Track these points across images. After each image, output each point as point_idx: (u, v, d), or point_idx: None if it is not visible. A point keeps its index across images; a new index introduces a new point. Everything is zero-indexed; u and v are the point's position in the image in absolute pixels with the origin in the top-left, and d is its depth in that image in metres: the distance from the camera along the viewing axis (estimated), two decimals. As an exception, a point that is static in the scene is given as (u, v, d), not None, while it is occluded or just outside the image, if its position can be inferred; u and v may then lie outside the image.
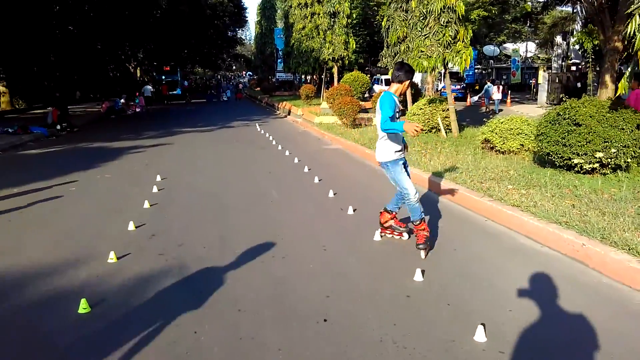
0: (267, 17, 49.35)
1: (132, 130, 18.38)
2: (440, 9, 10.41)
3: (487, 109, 25.42)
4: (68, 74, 37.87)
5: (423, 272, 4.22)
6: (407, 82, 4.77)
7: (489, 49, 54.32)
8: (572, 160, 6.79)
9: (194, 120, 22.96)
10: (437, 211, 6.42)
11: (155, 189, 7.89)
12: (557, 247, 4.67)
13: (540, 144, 7.44)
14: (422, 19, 10.84)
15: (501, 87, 30.26)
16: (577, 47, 29.19)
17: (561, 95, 26.90)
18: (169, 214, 6.54)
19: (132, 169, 10.26)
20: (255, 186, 8.23)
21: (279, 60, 44.81)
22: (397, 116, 4.68)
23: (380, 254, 4.88)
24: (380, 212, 5.33)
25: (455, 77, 40.39)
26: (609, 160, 6.58)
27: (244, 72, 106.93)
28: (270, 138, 14.65)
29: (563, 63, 32.71)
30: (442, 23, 10.55)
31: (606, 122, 6.58)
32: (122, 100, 30.76)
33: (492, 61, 59.63)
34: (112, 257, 4.78)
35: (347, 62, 23.32)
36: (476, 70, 52.64)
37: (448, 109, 12.20)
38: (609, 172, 6.83)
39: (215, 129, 18.33)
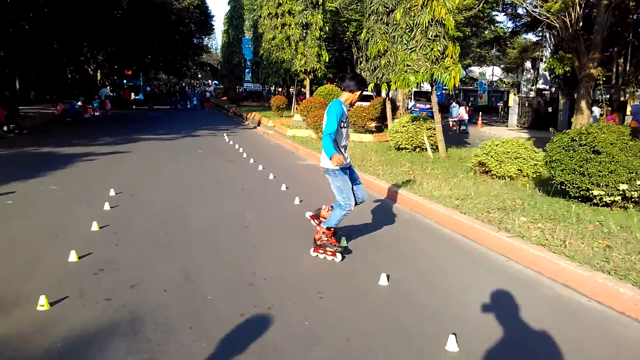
0: (235, 27, 48.18)
1: (87, 135, 16.85)
2: (428, 21, 9.69)
3: (456, 129, 25.06)
4: (20, 73, 35.60)
5: (455, 335, 3.26)
6: (357, 93, 4.81)
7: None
8: (590, 192, 6.05)
9: (156, 126, 21.53)
10: (446, 247, 5.51)
11: (107, 206, 6.66)
12: (610, 303, 3.81)
13: (552, 172, 6.69)
14: (408, 32, 10.10)
15: (468, 108, 30.28)
16: (546, 72, 29.56)
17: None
18: (121, 240, 5.35)
19: (82, 180, 8.94)
20: (226, 206, 7.11)
21: (246, 70, 43.70)
22: (343, 126, 4.78)
23: (392, 305, 3.89)
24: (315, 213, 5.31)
25: (424, 96, 40.45)
26: (633, 193, 5.86)
27: (210, 81, 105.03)
28: (240, 150, 13.54)
29: (532, 88, 33.11)
30: (429, 37, 9.82)
31: (629, 150, 5.88)
32: (79, 103, 28.88)
33: (458, 83, 60.44)
34: (42, 303, 3.60)
35: (319, 74, 22.51)
36: (443, 91, 53.15)
37: (434, 128, 11.46)
38: (631, 206, 6.12)
39: (179, 137, 17.04)
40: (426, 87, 43.50)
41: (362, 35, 12.81)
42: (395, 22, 12.35)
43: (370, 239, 5.71)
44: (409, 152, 11.69)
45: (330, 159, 4.44)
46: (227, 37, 51.63)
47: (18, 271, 4.35)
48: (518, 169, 8.46)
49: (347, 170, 4.93)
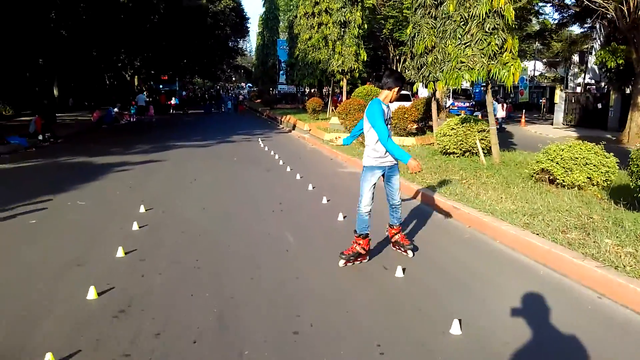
0: (270, 28, 47.91)
1: (122, 143, 16.64)
2: (485, 13, 8.79)
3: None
4: (58, 80, 36.29)
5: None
6: (396, 89, 4.73)
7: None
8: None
9: (191, 132, 21.26)
10: (523, 280, 4.67)
11: (135, 226, 6.13)
12: None
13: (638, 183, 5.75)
14: (463, 25, 9.20)
15: (505, 106, 28.98)
16: (595, 66, 27.90)
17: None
18: (148, 269, 4.76)
19: (112, 193, 8.49)
20: (264, 225, 6.47)
21: (281, 72, 43.37)
22: (387, 124, 4.68)
23: (469, 354, 3.12)
24: (387, 228, 5.31)
25: (464, 94, 39.00)
26: None
27: (243, 84, 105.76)
28: (276, 157, 12.94)
29: (579, 82, 31.26)
30: (486, 30, 8.92)
31: None
32: (116, 110, 29.08)
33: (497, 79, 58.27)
34: (48, 360, 3.02)
35: (357, 74, 21.74)
36: (482, 88, 51.37)
37: (486, 130, 10.54)
38: None
39: (214, 143, 16.61)
40: (465, 84, 42.18)
41: (408, 30, 11.99)
42: (444, 16, 11.47)
43: (430, 265, 4.95)
44: (457, 157, 10.80)
45: (408, 164, 4.50)
46: (261, 39, 51.50)
47: (27, 314, 3.80)
48: (587, 177, 7.50)
49: (381, 172, 4.90)
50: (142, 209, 7.03)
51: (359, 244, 4.81)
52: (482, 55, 8.97)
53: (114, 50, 34.34)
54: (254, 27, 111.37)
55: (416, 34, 11.84)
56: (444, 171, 9.25)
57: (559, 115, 28.97)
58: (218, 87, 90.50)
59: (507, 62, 8.90)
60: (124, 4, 25.48)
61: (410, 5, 13.45)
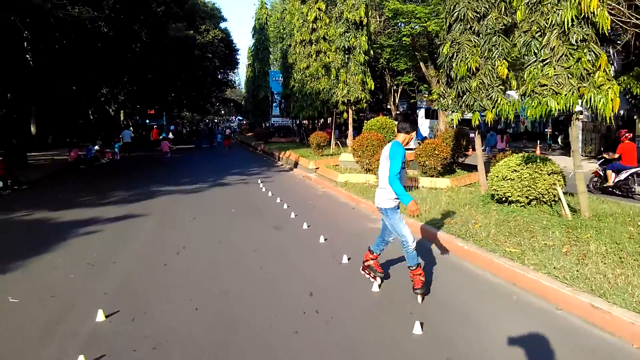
0: (260, 59, 46.13)
1: (98, 189, 14.11)
2: (570, 20, 6.57)
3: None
4: (37, 116, 33.77)
5: None
6: (413, 134, 5.03)
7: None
8: None
9: (179, 173, 18.79)
10: None
11: (81, 359, 3.60)
12: None
13: None
14: (539, 37, 6.96)
15: (504, 137, 27.12)
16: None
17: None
18: None
19: (63, 279, 5.92)
20: (291, 343, 3.96)
21: (274, 105, 41.36)
22: (404, 167, 4.86)
23: None
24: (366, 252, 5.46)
25: (467, 124, 37.17)
26: None
27: (233, 117, 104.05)
28: (285, 205, 10.50)
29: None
30: (572, 42, 6.68)
31: None
32: (97, 147, 26.57)
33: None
34: None
35: (364, 105, 19.56)
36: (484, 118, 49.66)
37: (558, 172, 8.23)
38: None
39: (205, 187, 14.13)
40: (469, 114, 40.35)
41: (444, 50, 9.76)
42: (490, 31, 9.31)
43: None
44: (522, 206, 8.43)
45: (408, 206, 4.68)
46: (251, 70, 49.70)
47: None
48: None
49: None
50: (99, 316, 4.49)
51: (420, 274, 4.97)
52: (570, 76, 6.70)
53: (94, 83, 32.06)
54: (242, 59, 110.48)
55: (455, 54, 9.62)
56: (521, 232, 6.85)
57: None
58: (207, 120, 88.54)
59: (603, 85, 6.64)
60: (102, 33, 23.27)
61: (443, 21, 11.27)
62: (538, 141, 30.58)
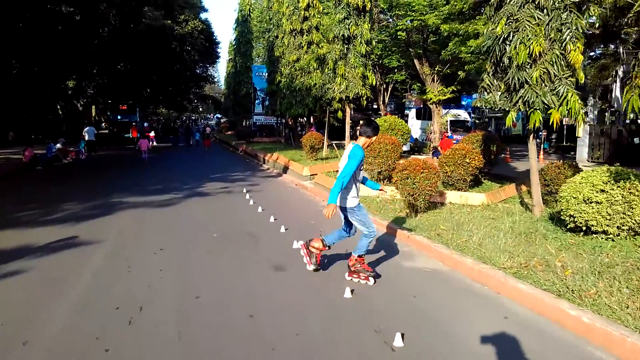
0: (242, 54, 43.41)
1: (47, 198, 11.48)
2: None
3: None
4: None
5: None
6: (374, 138, 5.34)
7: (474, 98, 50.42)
8: None
9: (149, 176, 16.17)
10: None
11: None
12: None
13: None
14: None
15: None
16: (619, 95, 24.56)
17: None
18: None
19: None
20: None
21: (256, 102, 38.73)
22: (361, 168, 5.26)
23: None
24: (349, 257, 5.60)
25: (462, 125, 35.21)
26: None
27: (211, 115, 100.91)
28: (282, 228, 8.09)
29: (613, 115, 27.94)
30: None
31: None
32: (58, 145, 23.66)
33: (486, 110, 55.27)
34: None
35: (364, 102, 17.24)
36: (473, 119, 47.96)
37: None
38: None
39: (180, 198, 11.59)
40: (464, 115, 38.42)
41: (498, 28, 7.45)
42: (556, 5, 7.06)
43: None
44: (608, 238, 6.22)
45: (327, 206, 5.02)
46: (233, 65, 46.97)
47: None
48: None
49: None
50: None
51: (363, 262, 5.47)
52: None
53: (58, 73, 28.93)
54: (223, 53, 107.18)
55: (511, 34, 7.34)
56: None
57: (582, 151, 25.13)
58: (184, 118, 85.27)
59: None
60: (63, 14, 20.36)
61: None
62: (542, 145, 28.67)
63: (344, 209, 5.32)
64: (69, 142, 32.14)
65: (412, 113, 40.46)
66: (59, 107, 40.90)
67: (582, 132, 25.75)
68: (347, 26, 16.36)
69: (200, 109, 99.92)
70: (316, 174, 13.89)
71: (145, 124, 46.83)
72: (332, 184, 11.07)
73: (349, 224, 5.51)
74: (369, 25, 16.80)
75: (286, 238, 7.51)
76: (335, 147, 18.10)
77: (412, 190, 8.00)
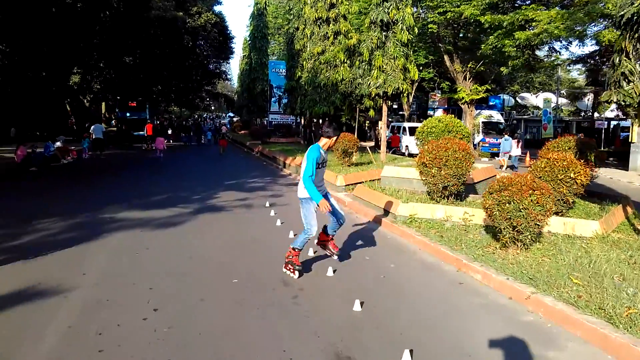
0: (258, 49, 41.12)
1: (27, 210, 9.22)
2: None
3: (503, 166, 21.33)
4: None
5: None
6: (334, 139, 5.64)
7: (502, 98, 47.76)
8: None
9: (152, 184, 13.89)
10: None
11: None
12: None
13: None
14: None
15: (520, 142, 23.72)
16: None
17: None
18: None
19: None
20: None
21: (272, 100, 36.41)
22: (320, 167, 5.50)
23: None
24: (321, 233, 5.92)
25: (494, 127, 32.56)
26: None
27: (224, 114, 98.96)
28: (329, 270, 5.70)
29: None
30: None
31: None
32: (58, 144, 21.54)
33: (514, 112, 52.53)
34: None
35: (405, 99, 14.83)
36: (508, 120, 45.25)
37: None
38: None
39: (187, 215, 9.23)
40: (497, 116, 35.77)
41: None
42: None
43: None
44: None
45: (319, 205, 5.22)
46: (247, 62, 44.74)
47: None
48: None
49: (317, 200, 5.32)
50: None
51: (296, 256, 5.60)
52: None
53: (61, 65, 26.79)
54: (236, 51, 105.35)
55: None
56: None
57: (637, 158, 22.52)
58: (196, 116, 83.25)
59: None
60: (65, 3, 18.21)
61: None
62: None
63: (299, 199, 5.58)
64: (75, 140, 30.19)
65: (437, 113, 37.92)
66: (67, 103, 38.97)
67: (637, 137, 23.12)
68: (386, 10, 13.95)
69: (213, 108, 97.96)
70: (353, 185, 11.46)
71: (156, 122, 44.80)
72: (378, 199, 8.66)
73: (333, 213, 5.69)
74: (411, 9, 14.38)
75: (336, 285, 5.15)
76: (370, 151, 15.64)
77: (516, 219, 5.56)
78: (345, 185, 11.54)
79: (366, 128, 44.86)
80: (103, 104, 47.31)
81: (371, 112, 16.89)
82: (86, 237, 7.23)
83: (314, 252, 6.52)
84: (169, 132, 33.68)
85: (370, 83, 14.33)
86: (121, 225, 8.14)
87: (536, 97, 54.78)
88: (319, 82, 19.57)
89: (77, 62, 26.91)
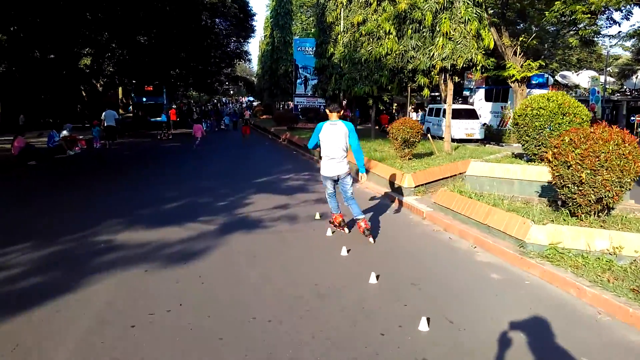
0: (281, 27, 38.31)
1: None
2: None
3: None
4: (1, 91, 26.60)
5: None
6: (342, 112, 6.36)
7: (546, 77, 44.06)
8: None
9: (167, 181, 11.35)
10: None
11: None
12: None
13: None
14: None
15: None
16: None
17: None
18: None
19: None
20: None
21: (298, 82, 33.56)
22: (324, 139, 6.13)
23: None
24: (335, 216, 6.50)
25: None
26: None
27: (242, 98, 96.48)
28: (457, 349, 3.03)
29: None
30: None
31: None
32: (64, 133, 19.20)
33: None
34: None
35: (477, 74, 11.95)
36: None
37: None
38: None
39: (212, 235, 6.60)
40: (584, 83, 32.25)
41: None
42: None
43: None
44: None
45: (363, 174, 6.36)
46: (269, 42, 41.86)
47: None
48: None
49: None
50: None
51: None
52: None
53: (69, 44, 24.33)
54: (257, 30, 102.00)
55: None
56: None
57: None
58: (215, 100, 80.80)
59: None
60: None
61: None
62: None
63: (341, 176, 6.20)
64: (86, 128, 27.93)
65: (479, 94, 34.66)
66: (82, 88, 36.74)
67: None
68: (456, -39, 11.01)
69: (232, 92, 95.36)
70: (423, 186, 8.72)
71: (173, 106, 42.43)
72: (478, 212, 5.91)
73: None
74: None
75: None
76: (431, 138, 12.78)
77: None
78: (415, 187, 8.77)
79: (394, 111, 41.91)
80: (120, 89, 45.05)
81: (425, 92, 14.06)
82: (61, 286, 4.67)
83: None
84: (195, 117, 31.58)
85: (433, 54, 11.46)
86: (118, 258, 5.57)
87: (577, 75, 50.91)
88: (359, 58, 16.74)
89: (87, 41, 24.52)
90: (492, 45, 11.53)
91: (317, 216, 7.55)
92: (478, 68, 11.35)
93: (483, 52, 11.57)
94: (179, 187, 10.43)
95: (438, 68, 11.42)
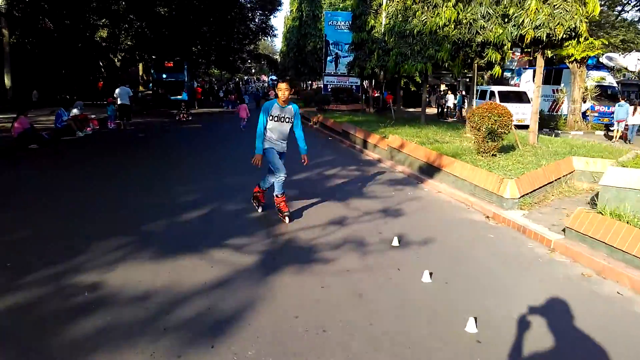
0: (310, 0, 35.68)
1: None
2: None
3: (615, 138, 17.54)
4: (13, 65, 24.80)
5: None
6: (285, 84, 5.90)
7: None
8: None
9: (183, 176, 9.16)
10: None
11: None
12: None
13: None
14: None
15: (636, 109, 18.40)
16: None
17: None
18: None
19: None
20: None
21: (328, 59, 30.98)
22: (275, 120, 5.99)
23: None
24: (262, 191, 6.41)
25: (605, 92, 26.27)
26: None
27: (264, 77, 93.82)
28: None
29: None
30: None
31: None
32: (75, 111, 17.21)
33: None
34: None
35: (579, 48, 9.39)
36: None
37: None
38: None
39: (245, 275, 4.43)
40: (609, 78, 29.37)
41: None
42: None
43: None
44: None
45: (255, 154, 5.94)
46: (297, 16, 39.16)
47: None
48: None
49: (277, 151, 6.25)
50: None
51: (284, 200, 6.21)
52: None
53: (85, 12, 22.24)
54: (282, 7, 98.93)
55: None
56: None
57: None
58: (237, 79, 78.40)
59: None
60: None
61: None
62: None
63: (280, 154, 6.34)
64: (102, 105, 26.00)
65: (525, 75, 31.65)
66: (101, 64, 34.82)
67: None
68: None
69: (253, 70, 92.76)
70: (530, 195, 6.39)
71: (195, 84, 40.31)
72: (612, 237, 3.58)
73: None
74: None
75: None
76: (513, 128, 10.34)
77: None
78: (520, 197, 6.42)
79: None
80: (141, 65, 43.01)
81: (496, 70, 11.59)
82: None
83: None
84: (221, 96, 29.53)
85: (523, 21, 8.95)
86: (105, 328, 3.42)
87: (624, 57, 47.14)
88: (410, 30, 14.24)
89: (103, 11, 22.48)
90: (597, 11, 8.97)
91: (396, 242, 5.30)
92: (581, 40, 8.82)
93: (587, 20, 9.04)
94: (199, 185, 8.26)
95: (529, 39, 8.92)
